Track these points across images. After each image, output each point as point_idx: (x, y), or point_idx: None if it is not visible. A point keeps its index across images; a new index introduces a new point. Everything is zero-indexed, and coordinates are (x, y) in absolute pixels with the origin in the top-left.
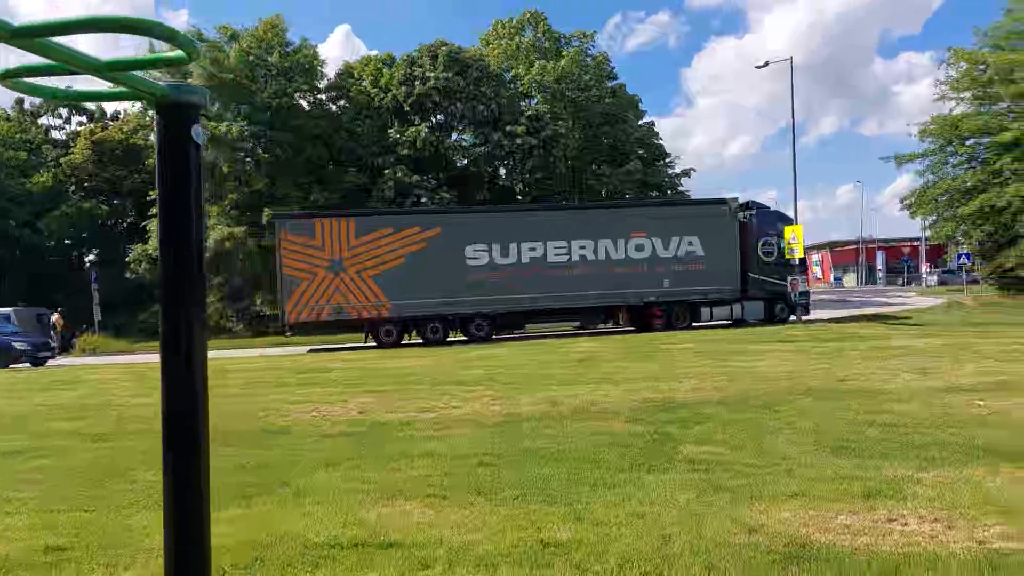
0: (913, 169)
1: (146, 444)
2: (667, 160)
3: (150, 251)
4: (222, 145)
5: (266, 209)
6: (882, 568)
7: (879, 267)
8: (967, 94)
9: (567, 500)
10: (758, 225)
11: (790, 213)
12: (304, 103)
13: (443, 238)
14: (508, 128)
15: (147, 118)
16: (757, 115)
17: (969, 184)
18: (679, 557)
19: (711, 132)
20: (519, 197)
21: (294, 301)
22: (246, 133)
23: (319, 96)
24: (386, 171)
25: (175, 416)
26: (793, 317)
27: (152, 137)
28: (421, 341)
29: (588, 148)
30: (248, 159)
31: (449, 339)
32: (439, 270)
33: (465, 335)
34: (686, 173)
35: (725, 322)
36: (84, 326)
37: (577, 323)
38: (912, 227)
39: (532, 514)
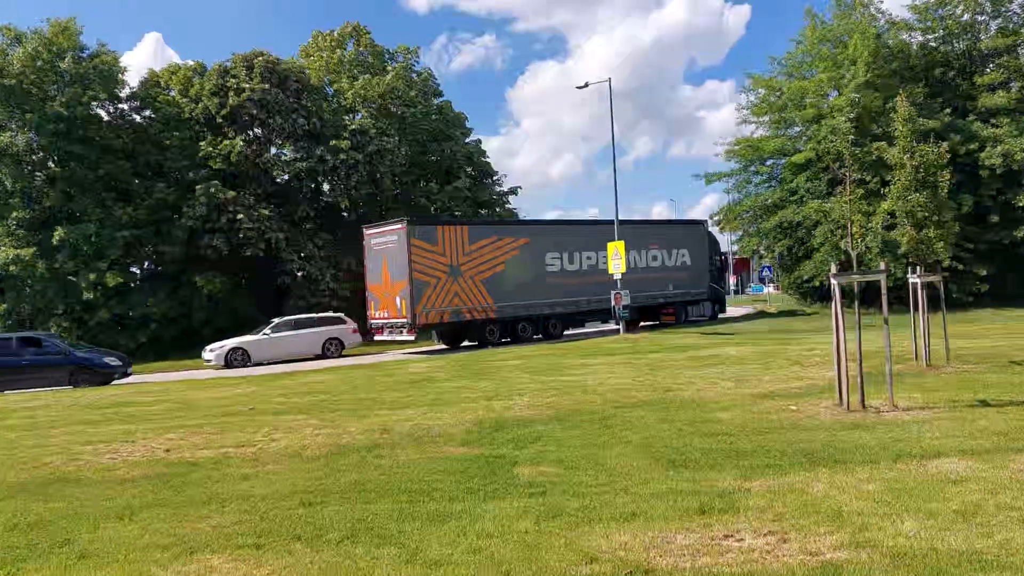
0: (721, 187)
1: None
2: (495, 178)
3: None
4: (4, 157)
5: (58, 229)
6: None
7: None
8: (766, 118)
9: (398, 539)
10: (711, 242)
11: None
12: (104, 113)
13: (530, 247)
14: (331, 143)
15: None
16: (578, 136)
17: (770, 202)
18: None
19: (535, 151)
20: (344, 214)
21: (422, 304)
22: (34, 145)
23: (121, 106)
24: (198, 186)
25: None
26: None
27: None
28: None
29: (415, 164)
30: (38, 174)
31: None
32: (528, 275)
33: (543, 334)
34: (513, 191)
35: (701, 318)
36: None
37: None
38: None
39: (359, 559)
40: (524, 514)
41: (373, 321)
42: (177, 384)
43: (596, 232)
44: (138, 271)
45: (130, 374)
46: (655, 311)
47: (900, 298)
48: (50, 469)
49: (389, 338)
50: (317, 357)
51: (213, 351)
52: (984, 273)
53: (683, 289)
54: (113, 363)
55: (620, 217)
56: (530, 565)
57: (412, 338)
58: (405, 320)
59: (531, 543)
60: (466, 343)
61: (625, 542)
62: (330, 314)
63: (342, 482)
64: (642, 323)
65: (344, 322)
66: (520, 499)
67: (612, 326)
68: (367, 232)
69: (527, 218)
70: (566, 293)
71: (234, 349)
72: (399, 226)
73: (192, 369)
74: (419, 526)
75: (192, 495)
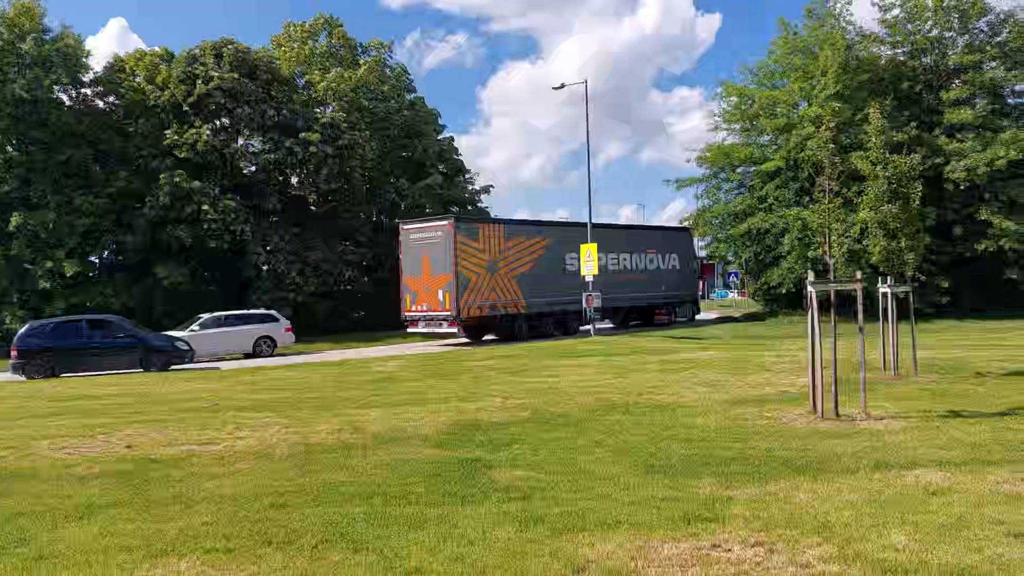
0: (688, 193)
1: None
2: (467, 176)
3: None
4: None
5: (15, 215)
6: None
7: None
8: (737, 125)
9: (376, 545)
10: (689, 246)
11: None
12: (66, 98)
13: (552, 247)
14: (301, 135)
15: None
16: (550, 138)
17: (739, 208)
18: None
19: (506, 151)
20: (313, 208)
21: (465, 298)
22: None
23: (84, 91)
24: (162, 176)
25: None
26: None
27: None
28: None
29: (386, 160)
30: None
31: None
32: (551, 274)
33: (563, 331)
34: (485, 190)
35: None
36: None
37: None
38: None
39: (335, 566)
40: (505, 520)
41: (408, 314)
42: (136, 377)
43: (607, 235)
44: (97, 261)
45: (193, 359)
46: (649, 312)
47: (864, 308)
48: (4, 464)
49: (425, 330)
50: (247, 356)
51: None
52: (946, 285)
53: (673, 291)
54: (183, 347)
55: (594, 220)
56: (515, 574)
57: (454, 330)
58: (448, 313)
59: (515, 551)
60: (488, 336)
61: (611, 551)
62: (262, 311)
63: (314, 483)
64: (631, 323)
65: (277, 320)
66: (499, 504)
67: (607, 325)
68: (404, 228)
69: (541, 219)
70: (584, 291)
71: None
72: (445, 222)
73: None
74: (397, 531)
75: (156, 494)
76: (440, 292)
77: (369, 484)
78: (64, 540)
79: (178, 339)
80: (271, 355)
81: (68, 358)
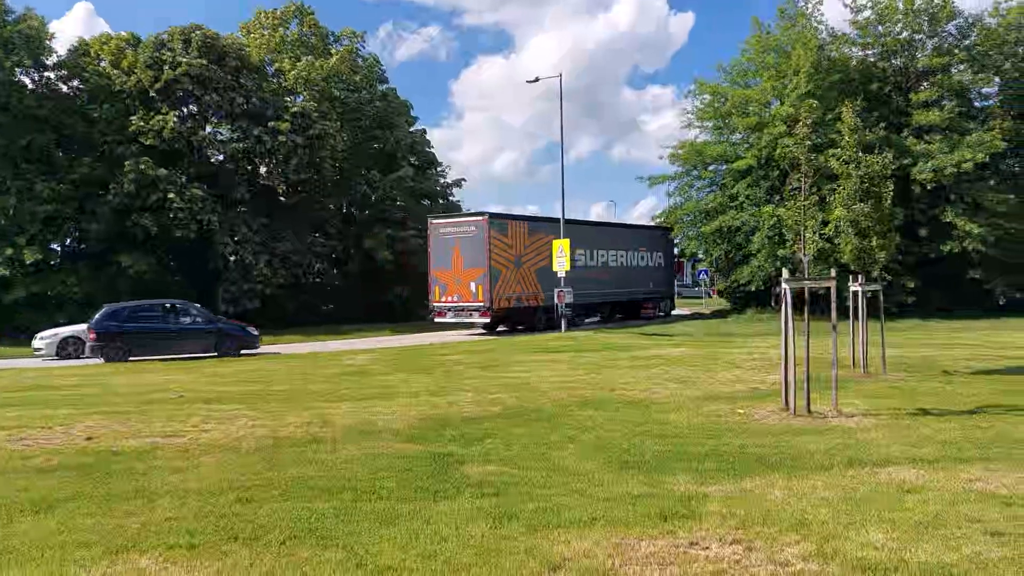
0: (659, 191)
1: None
2: (439, 169)
3: None
4: None
5: None
6: None
7: None
8: (710, 123)
9: (345, 541)
10: (670, 245)
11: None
12: (28, 81)
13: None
14: (270, 124)
15: None
16: (522, 133)
17: (711, 206)
18: None
19: (479, 145)
20: (282, 198)
21: (496, 291)
22: None
23: (47, 74)
24: (127, 163)
25: None
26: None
27: None
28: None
29: (357, 151)
30: None
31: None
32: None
33: (571, 323)
34: (457, 183)
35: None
36: None
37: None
38: None
39: (304, 564)
40: (478, 516)
41: (437, 304)
42: (98, 368)
43: (605, 233)
44: (59, 248)
45: (259, 347)
46: (638, 306)
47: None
48: None
49: (453, 320)
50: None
51: (44, 339)
52: (912, 285)
53: (659, 286)
54: (254, 332)
55: (592, 219)
56: (491, 572)
57: (487, 320)
58: (481, 304)
59: (489, 548)
60: (501, 328)
61: (587, 549)
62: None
63: (282, 478)
64: (616, 317)
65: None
66: (472, 499)
67: (595, 319)
68: (434, 222)
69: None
70: (588, 286)
71: (68, 339)
72: (480, 218)
73: (19, 358)
74: (367, 527)
75: (117, 488)
76: (472, 284)
77: (339, 479)
78: (19, 535)
79: (246, 325)
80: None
81: (144, 341)
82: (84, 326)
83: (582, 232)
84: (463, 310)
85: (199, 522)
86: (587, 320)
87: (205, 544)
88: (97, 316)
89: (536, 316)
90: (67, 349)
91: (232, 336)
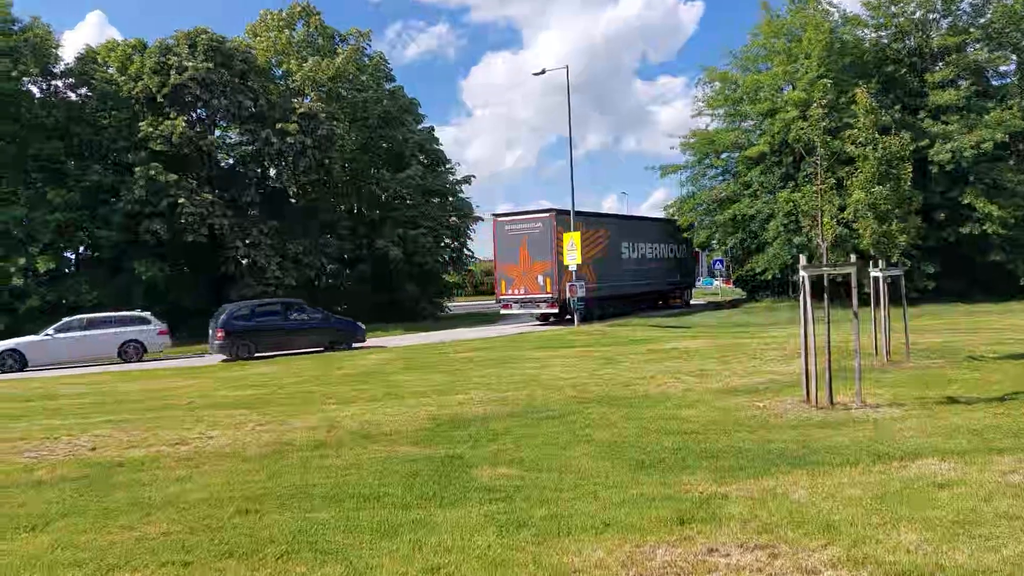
0: (671, 182)
1: None
2: (448, 166)
3: None
4: None
5: None
6: None
7: None
8: (721, 111)
9: (345, 555)
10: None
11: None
12: (36, 90)
13: (612, 237)
14: (279, 126)
15: None
16: (530, 128)
17: (724, 195)
18: None
19: (488, 142)
20: (292, 200)
21: (563, 283)
22: None
23: (54, 83)
24: (137, 169)
25: None
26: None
27: None
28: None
29: (366, 150)
30: None
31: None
32: (612, 259)
33: (618, 313)
34: (467, 180)
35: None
36: None
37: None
38: None
39: None
40: (486, 524)
41: (504, 297)
42: (109, 375)
43: (640, 226)
44: (72, 256)
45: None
46: (666, 295)
47: (850, 293)
48: None
49: (519, 312)
50: (113, 362)
51: None
52: (932, 270)
53: (684, 277)
54: (362, 327)
55: (626, 213)
56: None
57: (555, 311)
58: (549, 295)
59: (496, 560)
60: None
61: (600, 558)
62: (132, 313)
63: (284, 486)
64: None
65: (148, 322)
66: (480, 506)
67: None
68: (498, 220)
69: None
70: (629, 277)
71: (6, 352)
72: (547, 215)
73: None
74: (368, 539)
75: (116, 501)
76: (540, 277)
77: (342, 486)
78: (9, 554)
79: (355, 321)
80: (138, 360)
81: (267, 338)
82: (27, 338)
83: (627, 226)
84: (530, 302)
85: (196, 536)
86: (622, 311)
87: (199, 561)
88: (224, 316)
89: (592, 305)
90: (6, 362)
91: (343, 331)
